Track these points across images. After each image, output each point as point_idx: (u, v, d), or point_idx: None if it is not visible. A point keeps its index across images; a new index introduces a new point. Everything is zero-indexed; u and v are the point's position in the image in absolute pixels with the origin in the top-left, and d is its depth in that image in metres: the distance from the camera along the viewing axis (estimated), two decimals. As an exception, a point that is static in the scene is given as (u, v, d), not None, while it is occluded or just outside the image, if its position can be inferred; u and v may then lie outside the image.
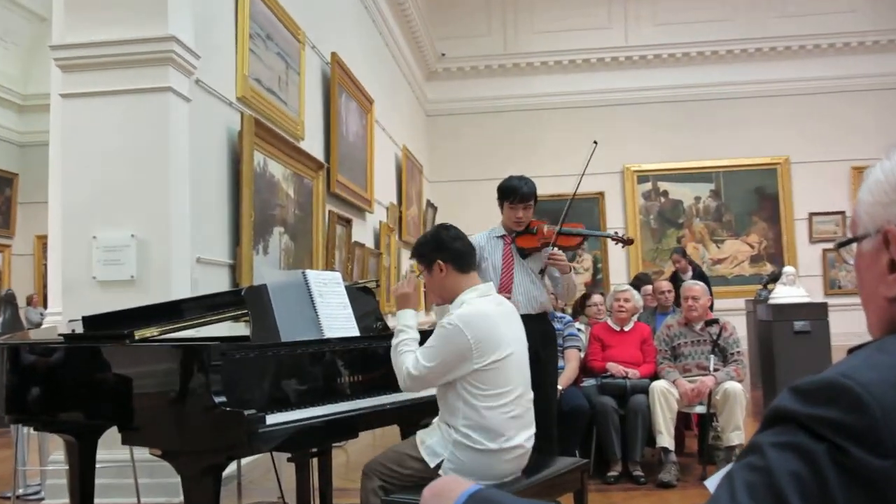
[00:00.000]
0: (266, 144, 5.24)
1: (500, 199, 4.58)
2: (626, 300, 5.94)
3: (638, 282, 9.05)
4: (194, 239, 4.35)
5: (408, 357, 3.07)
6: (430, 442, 3.02)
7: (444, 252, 3.15)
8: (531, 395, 3.18)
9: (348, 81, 7.35)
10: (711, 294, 6.00)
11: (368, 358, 3.58)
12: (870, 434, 0.79)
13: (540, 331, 4.58)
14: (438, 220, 10.37)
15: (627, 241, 4.96)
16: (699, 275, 8.51)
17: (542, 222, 4.75)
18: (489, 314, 3.00)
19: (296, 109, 5.98)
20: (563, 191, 12.15)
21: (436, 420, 3.09)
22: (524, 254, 4.64)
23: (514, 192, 4.52)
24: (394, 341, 3.15)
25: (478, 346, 2.90)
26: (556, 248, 4.61)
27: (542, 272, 4.62)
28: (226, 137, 4.89)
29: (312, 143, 6.38)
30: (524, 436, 3.06)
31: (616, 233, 5.06)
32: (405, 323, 3.21)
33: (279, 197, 5.49)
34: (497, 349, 2.94)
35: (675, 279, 8.54)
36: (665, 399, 5.38)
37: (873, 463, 0.79)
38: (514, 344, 3.06)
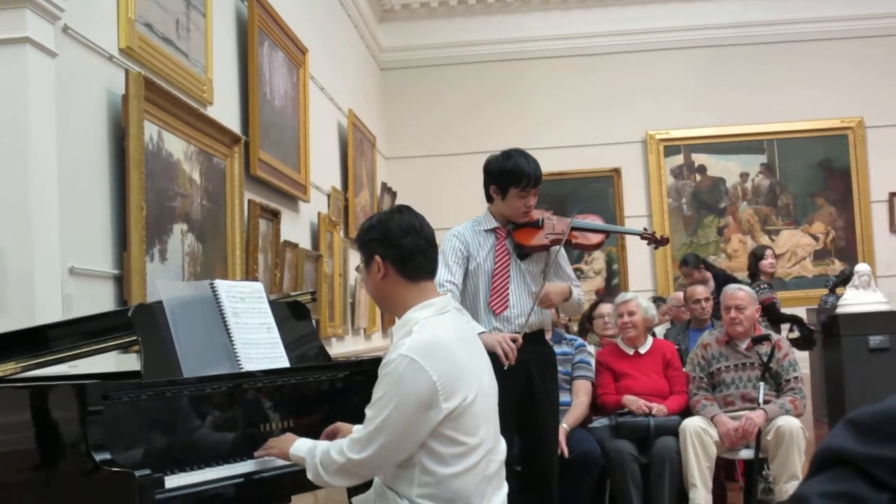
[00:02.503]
0: (161, 112, 5.24)
1: (498, 184, 4.65)
2: (631, 312, 6.01)
3: (691, 266, 9.20)
4: (65, 243, 4.35)
5: (324, 445, 3.05)
6: (375, 514, 3.04)
7: (386, 247, 3.12)
8: (504, 444, 3.23)
9: (272, 25, 7.35)
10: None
11: (303, 396, 3.61)
12: None
13: (536, 355, 4.64)
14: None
15: (661, 242, 5.08)
16: (723, 282, 8.57)
17: (547, 212, 4.82)
18: (448, 339, 3.00)
19: (201, 64, 5.97)
20: (562, 168, 12.23)
21: (376, 481, 3.10)
22: (523, 253, 4.70)
23: (523, 175, 4.58)
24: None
25: (444, 385, 2.88)
26: (561, 248, 4.73)
27: (542, 276, 4.70)
28: (105, 103, 4.88)
29: (224, 110, 6.37)
30: (498, 499, 3.10)
31: (646, 229, 5.14)
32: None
33: (180, 183, 5.49)
34: (462, 388, 2.93)
35: (717, 282, 8.63)
36: (701, 441, 5.46)
37: None
38: (483, 376, 3.09)
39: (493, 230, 4.69)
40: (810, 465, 0.89)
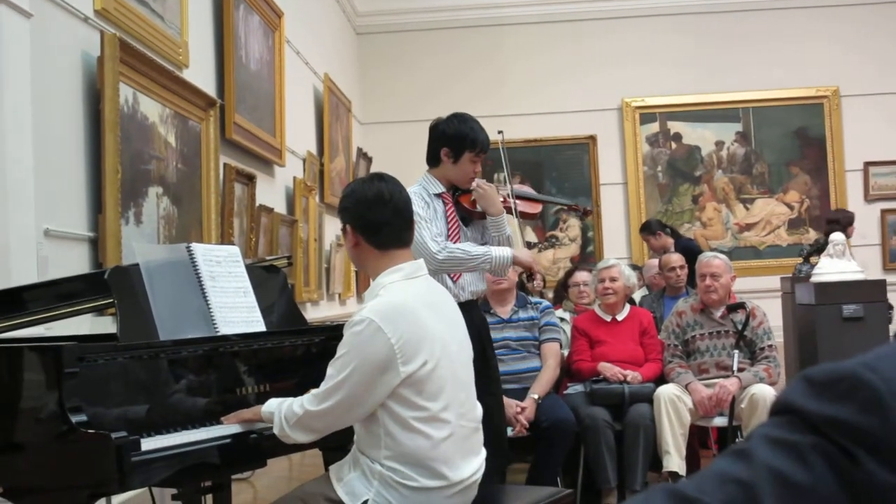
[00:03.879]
0: (136, 75, 5.21)
1: (452, 147, 4.65)
2: (613, 279, 6.04)
3: (647, 231, 9.27)
4: (40, 205, 4.33)
5: (290, 400, 3.09)
6: (349, 478, 3.06)
7: (356, 217, 3.19)
8: (479, 410, 3.25)
9: (248, -12, 7.31)
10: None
11: (278, 360, 3.63)
12: (885, 442, 0.83)
13: (484, 322, 4.81)
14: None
15: (585, 213, 5.31)
16: (685, 248, 8.61)
17: (489, 183, 4.88)
18: (413, 303, 3.03)
19: (177, 27, 5.94)
20: (538, 135, 12.23)
21: (353, 447, 3.14)
22: (468, 219, 4.75)
23: (478, 140, 4.62)
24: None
25: (402, 348, 2.92)
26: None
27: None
28: (80, 65, 4.85)
29: (200, 73, 6.34)
30: (472, 465, 3.13)
31: (577, 205, 5.52)
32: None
33: (156, 146, 5.47)
34: (423, 352, 2.97)
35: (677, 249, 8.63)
36: (675, 409, 5.50)
37: (885, 479, 0.83)
38: (450, 342, 3.11)
39: (440, 195, 4.72)
40: (768, 415, 0.92)
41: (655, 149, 12.73)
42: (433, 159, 4.73)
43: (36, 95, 4.30)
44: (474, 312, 4.67)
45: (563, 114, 12.45)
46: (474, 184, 4.70)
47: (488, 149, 4.70)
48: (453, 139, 4.63)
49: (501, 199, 4.78)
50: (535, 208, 5.09)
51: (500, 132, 5.13)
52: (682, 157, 12.78)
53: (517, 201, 4.91)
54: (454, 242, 4.58)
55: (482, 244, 4.70)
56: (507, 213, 4.78)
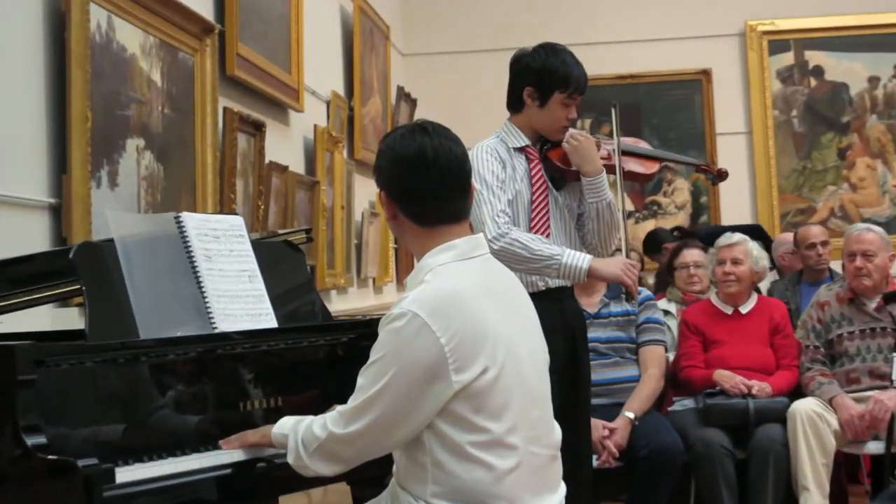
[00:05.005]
0: (110, -8, 5.24)
1: (538, 86, 4.68)
2: (736, 260, 5.98)
3: (654, 242, 9.12)
4: (-14, 162, 4.36)
5: (311, 419, 3.10)
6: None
7: (391, 183, 3.18)
8: (557, 433, 3.23)
9: None
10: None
11: (294, 366, 3.63)
12: None
13: (578, 317, 4.79)
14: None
15: (719, 176, 5.15)
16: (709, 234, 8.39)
17: (588, 134, 4.87)
18: (469, 292, 3.01)
19: (162, -71, 5.95)
20: (633, 69, 12.14)
21: (391, 481, 3.13)
22: (561, 180, 4.72)
23: (572, 77, 4.64)
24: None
25: (456, 351, 2.89)
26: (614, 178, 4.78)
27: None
28: (39, -19, 4.87)
29: (192, -10, 6.36)
30: None
31: (708, 166, 5.28)
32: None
33: (136, 85, 5.49)
34: (483, 356, 2.93)
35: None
36: (815, 431, 5.46)
37: None
38: (519, 343, 3.08)
39: (523, 149, 4.72)
40: None
41: (789, 87, 12.61)
42: (515, 103, 4.75)
43: (-19, 21, 4.33)
44: (566, 304, 4.67)
45: (666, 42, 12.34)
46: (567, 134, 4.68)
47: (585, 89, 4.71)
48: (540, 75, 4.65)
49: (604, 156, 4.75)
50: (650, 167, 5.04)
51: (613, 105, 5.10)
52: (825, 98, 12.65)
53: (625, 158, 4.87)
54: (540, 212, 4.57)
55: (578, 214, 4.69)
56: (610, 172, 4.75)
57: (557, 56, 4.65)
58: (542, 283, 4.56)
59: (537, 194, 4.65)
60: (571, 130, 4.70)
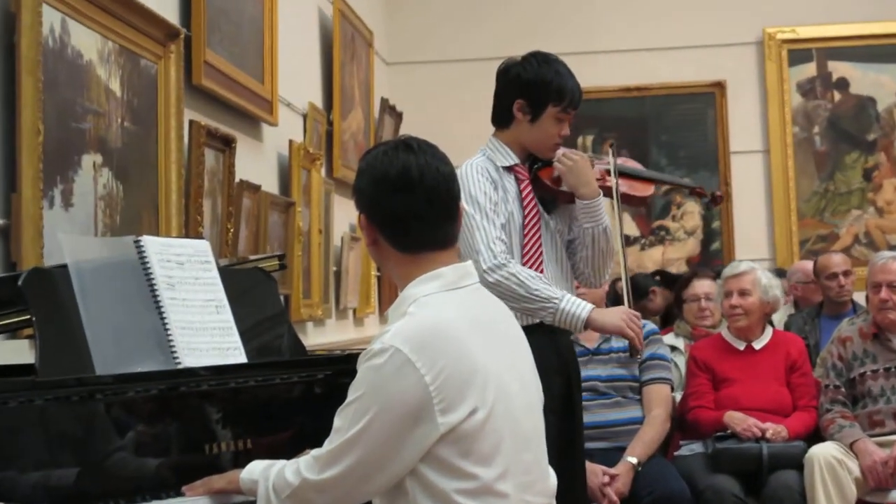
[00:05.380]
0: (67, -6, 5.25)
1: (531, 99, 4.69)
2: (743, 291, 5.99)
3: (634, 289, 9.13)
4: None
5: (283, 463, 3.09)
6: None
7: (372, 205, 3.16)
8: (552, 479, 3.23)
9: None
10: None
11: (265, 405, 3.63)
12: None
13: (572, 353, 4.80)
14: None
15: (714, 201, 5.18)
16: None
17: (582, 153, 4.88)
18: (456, 325, 3.00)
19: (124, -75, 5.97)
20: (641, 81, 12.16)
21: None
22: (552, 202, 4.74)
23: (566, 89, 4.66)
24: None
25: (442, 390, 2.87)
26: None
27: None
28: (-12, -19, 4.88)
29: (157, -8, 6.37)
30: None
31: (702, 189, 5.30)
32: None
33: (93, 95, 5.48)
34: (471, 395, 2.92)
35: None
36: (835, 478, 5.46)
37: None
38: (510, 381, 3.07)
39: (512, 168, 4.72)
40: None
41: (811, 101, 12.64)
42: (503, 117, 4.75)
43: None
44: (561, 339, 4.66)
45: (678, 50, 12.37)
46: (559, 153, 4.69)
47: (579, 103, 4.72)
48: (532, 87, 4.66)
49: (598, 177, 4.76)
50: (645, 190, 5.07)
51: (611, 145, 5.12)
52: (850, 114, 12.68)
53: (620, 181, 4.88)
54: (533, 237, 4.57)
55: (569, 240, 4.70)
56: (606, 195, 4.76)
57: (551, 66, 4.66)
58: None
59: (529, 218, 4.66)
60: (564, 149, 4.71)
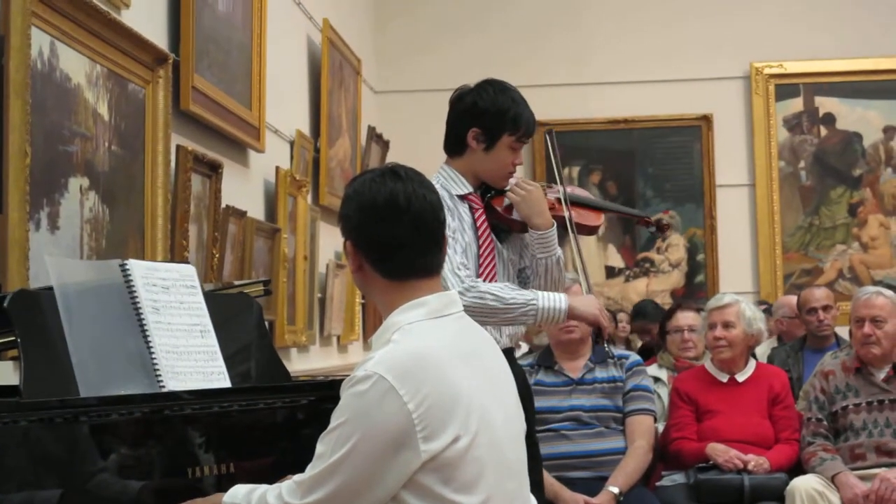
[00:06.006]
0: (56, 16, 5.23)
1: (486, 128, 4.70)
2: (727, 324, 6.01)
3: (642, 319, 9.20)
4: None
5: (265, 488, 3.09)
6: None
7: (358, 231, 3.17)
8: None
9: None
10: None
11: (248, 430, 3.63)
12: None
13: (522, 381, 4.71)
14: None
15: (659, 229, 5.22)
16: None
17: (535, 182, 4.91)
18: (440, 353, 3.01)
19: (114, -50, 5.99)
20: (628, 113, 12.18)
21: None
22: (502, 232, 4.80)
23: (522, 119, 4.68)
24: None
25: (424, 418, 2.88)
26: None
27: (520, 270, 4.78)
28: (-23, 3, 4.89)
29: (145, 16, 6.37)
30: None
31: (648, 218, 5.32)
32: None
33: (80, 119, 5.49)
34: (454, 424, 2.93)
35: None
36: (816, 512, 5.47)
37: None
38: (493, 410, 3.08)
39: (465, 196, 4.74)
40: None
41: (797, 136, 12.67)
42: (456, 145, 4.77)
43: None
44: (515, 368, 4.65)
45: (664, 84, 12.40)
46: (512, 182, 4.70)
47: (534, 132, 4.77)
48: (487, 116, 4.67)
49: (549, 206, 4.77)
50: (596, 220, 5.08)
51: (548, 131, 5.13)
52: (836, 149, 12.70)
53: (572, 209, 4.89)
54: (488, 266, 4.58)
55: (520, 269, 4.71)
56: (560, 226, 4.77)
57: (507, 94, 4.67)
58: (503, 340, 4.58)
59: (484, 247, 4.67)
60: (517, 178, 4.72)
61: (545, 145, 5.05)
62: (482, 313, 4.23)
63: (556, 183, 4.98)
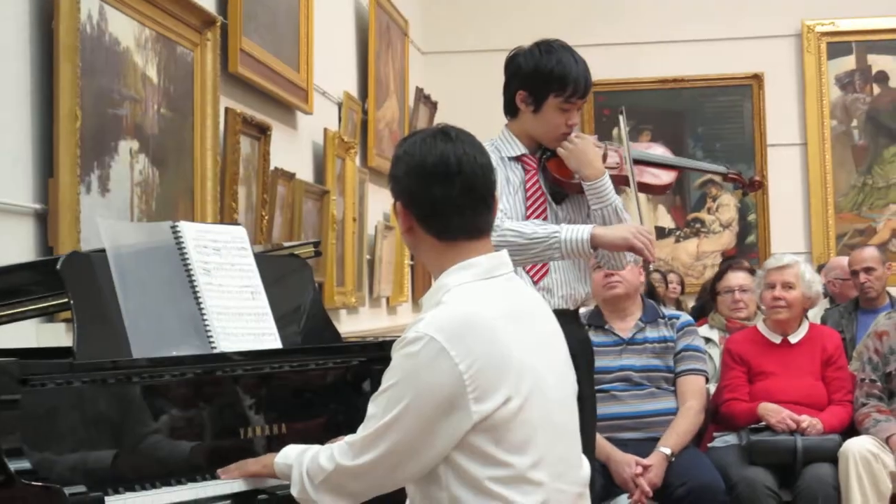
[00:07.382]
0: (104, -20, 5.27)
1: (530, 90, 4.67)
2: (788, 285, 5.97)
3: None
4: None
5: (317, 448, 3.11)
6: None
7: (408, 192, 3.16)
8: (586, 469, 3.24)
9: None
10: None
11: (299, 391, 3.65)
12: None
13: (580, 344, 4.69)
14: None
15: (751, 186, 5.11)
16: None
17: (590, 136, 4.84)
18: (491, 315, 3.01)
19: (162, -88, 5.99)
20: (677, 73, 12.11)
21: None
22: (560, 194, 4.71)
23: (568, 78, 4.61)
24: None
25: (476, 379, 2.88)
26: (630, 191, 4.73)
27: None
28: (26, -33, 4.90)
29: (194, -22, 6.38)
30: None
31: (738, 174, 5.17)
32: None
33: (130, 82, 5.51)
34: (505, 385, 2.93)
35: None
36: (870, 472, 5.44)
37: None
38: (545, 372, 3.08)
39: (519, 158, 4.73)
40: None
41: (849, 94, 12.57)
42: (510, 107, 4.75)
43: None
44: (571, 328, 4.63)
45: (714, 43, 12.31)
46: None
47: (586, 92, 4.69)
48: (531, 78, 4.64)
49: (612, 165, 4.73)
50: (667, 177, 4.99)
51: (620, 112, 5.08)
52: (889, 108, 12.59)
53: (637, 168, 4.86)
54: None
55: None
56: (623, 184, 4.74)
57: (553, 55, 4.61)
58: (555, 301, 4.57)
59: (533, 206, 4.66)
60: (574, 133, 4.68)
61: (620, 128, 4.95)
62: (508, 252, 4.21)
63: (621, 142, 4.93)
